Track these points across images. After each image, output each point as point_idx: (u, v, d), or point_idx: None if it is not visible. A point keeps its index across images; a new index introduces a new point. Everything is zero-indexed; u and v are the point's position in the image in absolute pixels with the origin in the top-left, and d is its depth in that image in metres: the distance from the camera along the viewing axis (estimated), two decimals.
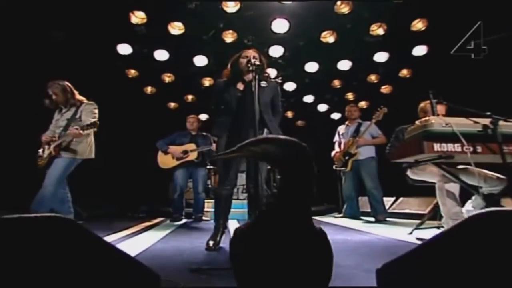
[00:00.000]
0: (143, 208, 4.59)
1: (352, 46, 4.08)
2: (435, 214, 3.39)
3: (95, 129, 2.48)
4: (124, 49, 3.98)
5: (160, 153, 3.85)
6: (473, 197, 2.28)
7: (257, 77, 1.57)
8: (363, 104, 5.43)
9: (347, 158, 3.88)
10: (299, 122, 6.18)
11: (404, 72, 4.57)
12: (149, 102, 5.19)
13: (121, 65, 4.34)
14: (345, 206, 4.08)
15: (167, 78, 4.71)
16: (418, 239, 2.10)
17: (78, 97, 2.71)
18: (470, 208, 2.31)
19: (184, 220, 3.77)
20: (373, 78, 4.77)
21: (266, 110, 2.00)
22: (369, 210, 3.85)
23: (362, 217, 3.98)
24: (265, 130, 1.97)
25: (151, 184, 4.88)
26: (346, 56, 4.32)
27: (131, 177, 4.86)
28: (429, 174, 2.33)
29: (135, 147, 5.12)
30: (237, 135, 1.96)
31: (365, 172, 3.78)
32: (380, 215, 3.59)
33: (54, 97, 2.64)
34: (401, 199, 4.06)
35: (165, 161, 3.80)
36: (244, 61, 2.01)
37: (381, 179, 3.79)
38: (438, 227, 2.56)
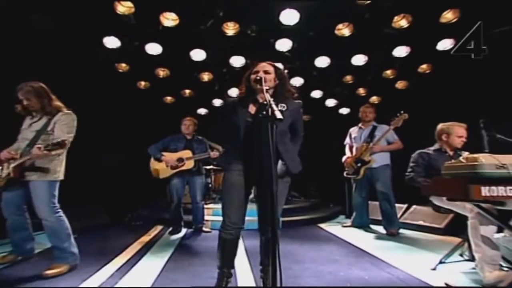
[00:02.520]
0: (141, 212, 4.36)
1: (369, 39, 3.62)
2: (451, 229, 3.20)
3: (63, 150, 2.07)
4: (112, 42, 3.51)
5: (152, 161, 3.52)
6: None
7: (272, 122, 1.20)
8: (374, 99, 5.03)
9: (359, 165, 3.58)
10: (304, 117, 5.79)
11: (424, 67, 4.14)
12: (144, 96, 4.78)
13: (110, 58, 3.88)
14: (354, 215, 3.84)
15: (162, 72, 4.27)
16: (447, 285, 1.85)
17: (56, 103, 2.22)
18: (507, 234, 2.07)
19: (183, 231, 3.55)
20: (388, 73, 4.34)
21: (281, 139, 1.63)
22: (379, 217, 3.61)
23: (372, 226, 3.77)
24: (280, 162, 1.62)
25: (148, 186, 4.59)
26: (362, 50, 3.86)
27: (126, 178, 4.57)
28: (459, 207, 2.05)
29: (129, 145, 4.80)
30: (248, 170, 1.64)
31: (379, 180, 3.51)
32: (393, 229, 3.37)
33: (25, 102, 2.15)
34: (413, 207, 3.81)
35: (158, 169, 3.47)
36: (253, 77, 1.63)
37: (392, 184, 3.51)
38: (461, 255, 2.33)
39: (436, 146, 2.53)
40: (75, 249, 2.20)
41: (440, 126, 2.51)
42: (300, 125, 1.78)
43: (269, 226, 1.31)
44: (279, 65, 1.78)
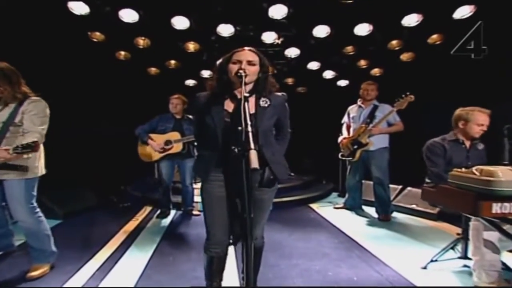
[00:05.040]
0: (129, 192, 4.27)
1: (376, 6, 3.16)
2: (444, 215, 3.16)
3: (35, 152, 1.80)
4: (79, 7, 3.03)
5: (140, 144, 3.32)
6: None
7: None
8: (376, 71, 4.66)
9: (355, 147, 3.39)
10: (300, 89, 5.46)
11: (434, 38, 3.70)
12: (125, 68, 4.36)
13: (81, 27, 3.40)
14: (346, 196, 3.77)
15: (142, 41, 3.81)
16: None
17: (23, 88, 1.92)
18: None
19: (172, 214, 3.49)
20: (394, 43, 3.91)
21: (266, 141, 1.39)
22: (372, 198, 3.54)
23: (365, 207, 3.73)
24: (267, 170, 1.39)
25: (136, 164, 4.44)
26: (367, 18, 3.40)
27: (113, 157, 4.39)
28: None
29: (116, 121, 4.53)
30: (229, 179, 1.40)
31: (375, 164, 3.35)
32: (385, 215, 3.31)
33: None
34: (407, 189, 3.74)
35: (146, 153, 3.28)
36: (235, 68, 1.33)
37: (389, 166, 3.36)
38: (453, 249, 2.28)
39: (452, 135, 2.17)
40: (54, 248, 2.09)
41: (458, 111, 2.14)
42: (286, 121, 1.53)
43: (248, 236, 1.14)
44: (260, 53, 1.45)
